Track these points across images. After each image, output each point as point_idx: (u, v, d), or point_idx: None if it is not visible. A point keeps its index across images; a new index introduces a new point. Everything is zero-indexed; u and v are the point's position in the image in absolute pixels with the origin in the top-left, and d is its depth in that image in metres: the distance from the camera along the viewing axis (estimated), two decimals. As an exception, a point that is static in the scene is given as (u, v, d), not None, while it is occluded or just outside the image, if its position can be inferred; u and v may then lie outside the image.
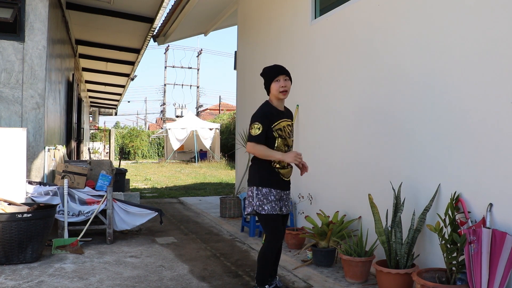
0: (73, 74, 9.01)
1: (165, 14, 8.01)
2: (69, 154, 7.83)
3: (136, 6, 7.18)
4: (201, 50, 34.15)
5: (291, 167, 3.26)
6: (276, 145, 3.13)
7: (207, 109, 37.62)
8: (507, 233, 2.59)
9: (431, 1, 3.34)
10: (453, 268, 2.84)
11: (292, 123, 3.28)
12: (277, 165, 3.14)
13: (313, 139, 4.98)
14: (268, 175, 3.14)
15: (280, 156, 3.07)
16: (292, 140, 3.26)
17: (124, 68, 11.67)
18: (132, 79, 12.99)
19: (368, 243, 3.79)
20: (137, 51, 9.77)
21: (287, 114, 3.28)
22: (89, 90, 15.87)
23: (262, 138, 3.08)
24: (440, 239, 2.88)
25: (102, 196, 4.93)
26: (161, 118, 35.11)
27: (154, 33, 8.56)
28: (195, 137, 22.01)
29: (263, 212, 3.10)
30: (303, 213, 5.00)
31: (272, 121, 3.13)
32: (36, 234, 4.05)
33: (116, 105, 20.83)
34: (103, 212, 4.95)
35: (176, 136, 21.91)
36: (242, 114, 7.29)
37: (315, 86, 4.94)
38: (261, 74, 3.24)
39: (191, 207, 7.80)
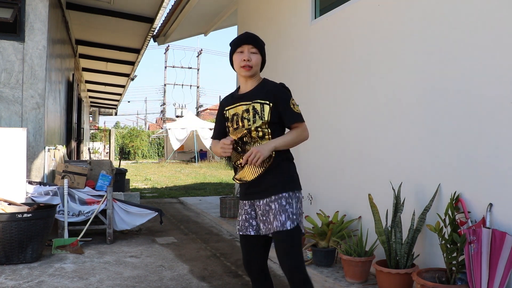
0: (73, 74, 9.02)
1: (165, 14, 8.01)
2: (69, 154, 7.83)
3: (136, 6, 7.18)
4: (201, 50, 34.19)
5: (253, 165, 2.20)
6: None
7: (207, 109, 37.61)
8: (507, 233, 2.59)
9: (431, 1, 3.34)
10: (453, 268, 2.84)
11: (253, 106, 2.25)
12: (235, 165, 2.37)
13: (313, 139, 4.97)
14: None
15: (217, 150, 2.32)
16: (247, 132, 2.24)
17: (124, 68, 11.67)
18: (132, 79, 13.00)
19: (368, 243, 3.79)
20: (137, 51, 9.77)
21: (252, 95, 2.28)
22: (89, 90, 15.88)
23: (215, 134, 2.46)
24: (440, 239, 2.88)
25: (102, 196, 4.93)
26: (161, 118, 35.13)
27: (154, 33, 8.56)
28: (195, 137, 22.03)
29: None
30: (303, 213, 4.99)
31: (223, 109, 2.40)
32: (36, 234, 4.05)
33: (116, 105, 20.82)
34: (103, 212, 4.95)
35: (176, 136, 21.93)
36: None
37: (315, 86, 4.93)
38: (230, 44, 2.43)
39: (191, 207, 7.80)
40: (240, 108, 2.28)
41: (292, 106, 2.27)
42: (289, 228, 2.14)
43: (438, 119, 3.23)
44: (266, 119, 2.22)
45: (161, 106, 34.96)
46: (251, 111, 2.24)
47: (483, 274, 2.56)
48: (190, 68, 34.65)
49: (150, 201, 8.51)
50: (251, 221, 2.27)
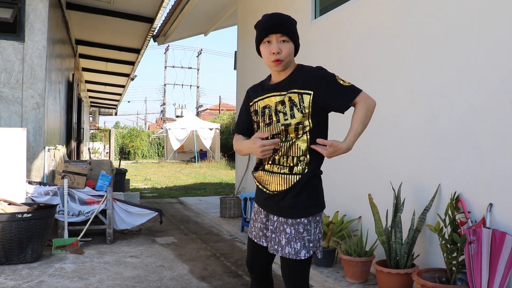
0: (73, 74, 9.02)
1: (165, 14, 8.02)
2: (69, 154, 7.83)
3: (136, 6, 7.18)
4: (201, 50, 34.21)
5: (276, 172, 1.94)
6: None
7: (207, 109, 37.62)
8: (507, 233, 2.59)
9: (431, 1, 3.34)
10: (453, 268, 2.84)
11: (290, 97, 1.91)
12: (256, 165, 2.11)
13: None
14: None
15: (246, 148, 1.99)
16: (284, 129, 1.91)
17: (124, 68, 11.68)
18: (132, 79, 13.00)
19: (368, 243, 3.79)
20: (137, 51, 9.77)
21: (287, 85, 1.94)
22: (89, 90, 15.88)
23: (237, 127, 2.17)
24: (440, 239, 2.88)
25: (102, 196, 4.93)
26: (161, 118, 35.13)
27: (154, 33, 8.56)
28: (195, 137, 22.02)
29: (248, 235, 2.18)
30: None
31: (249, 100, 2.09)
32: (36, 234, 4.05)
33: (116, 105, 20.83)
34: (103, 212, 4.95)
35: (176, 136, 21.91)
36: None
37: (315, 86, 4.93)
38: (254, 26, 2.10)
39: (191, 207, 7.80)
40: (272, 100, 1.95)
41: (341, 82, 1.95)
42: (303, 258, 1.89)
43: (438, 119, 3.23)
44: (306, 111, 1.88)
45: (161, 106, 34.98)
46: (287, 103, 1.90)
47: (483, 274, 2.56)
48: (190, 68, 34.67)
49: (150, 201, 8.51)
50: (265, 231, 2.04)
